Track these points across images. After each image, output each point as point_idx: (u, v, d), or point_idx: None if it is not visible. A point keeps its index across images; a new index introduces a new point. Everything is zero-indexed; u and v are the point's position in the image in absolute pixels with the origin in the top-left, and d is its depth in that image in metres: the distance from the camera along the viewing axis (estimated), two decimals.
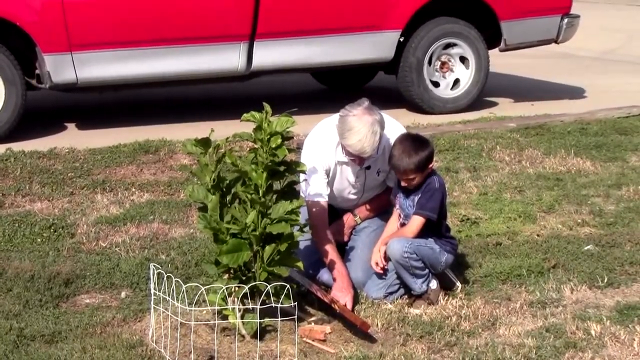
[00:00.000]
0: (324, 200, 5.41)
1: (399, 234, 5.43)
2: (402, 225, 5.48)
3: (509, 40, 10.35)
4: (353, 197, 5.68)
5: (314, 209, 5.38)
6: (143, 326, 5.07)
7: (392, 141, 5.40)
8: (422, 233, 5.39)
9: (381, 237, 5.51)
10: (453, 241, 5.58)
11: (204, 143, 4.85)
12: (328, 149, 5.45)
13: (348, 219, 5.73)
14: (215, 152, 4.84)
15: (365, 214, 5.73)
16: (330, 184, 5.50)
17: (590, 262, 5.98)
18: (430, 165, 5.36)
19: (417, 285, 5.37)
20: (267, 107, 4.83)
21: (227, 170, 5.07)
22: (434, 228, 5.43)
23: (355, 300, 5.34)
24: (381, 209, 5.71)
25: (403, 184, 5.39)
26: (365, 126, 5.19)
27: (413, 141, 5.35)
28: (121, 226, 6.58)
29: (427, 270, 5.37)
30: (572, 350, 4.83)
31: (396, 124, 5.58)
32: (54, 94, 9.61)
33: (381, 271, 5.41)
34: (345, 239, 5.68)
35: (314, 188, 5.39)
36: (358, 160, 5.39)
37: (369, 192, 5.69)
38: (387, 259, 5.40)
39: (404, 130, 5.56)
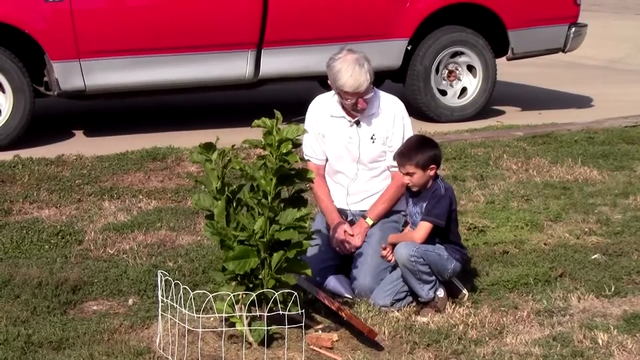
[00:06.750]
0: (315, 161, 5.76)
1: (406, 238, 5.43)
2: None
3: (516, 49, 10.35)
4: (352, 165, 5.71)
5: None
6: (150, 333, 5.07)
7: (387, 108, 5.69)
8: (431, 239, 5.39)
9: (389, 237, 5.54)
10: (463, 250, 5.58)
11: (207, 147, 4.85)
12: (320, 103, 5.79)
13: (360, 223, 5.72)
14: (221, 158, 4.85)
15: (375, 213, 5.71)
16: (326, 143, 5.72)
17: (598, 271, 5.98)
18: (433, 167, 5.38)
19: (424, 291, 5.37)
20: (278, 113, 4.84)
21: (235, 178, 5.08)
22: (443, 234, 5.44)
23: (362, 308, 5.36)
24: (391, 202, 5.70)
25: (405, 180, 5.43)
26: (351, 63, 5.49)
27: (420, 138, 5.61)
28: (129, 233, 6.59)
29: (434, 277, 5.38)
30: (580, 359, 4.83)
31: (394, 97, 5.86)
32: (62, 101, 9.63)
33: (389, 259, 5.45)
34: (359, 243, 5.67)
35: (308, 150, 5.77)
36: (351, 105, 5.57)
37: (366, 162, 5.70)
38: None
39: (400, 102, 5.78)
